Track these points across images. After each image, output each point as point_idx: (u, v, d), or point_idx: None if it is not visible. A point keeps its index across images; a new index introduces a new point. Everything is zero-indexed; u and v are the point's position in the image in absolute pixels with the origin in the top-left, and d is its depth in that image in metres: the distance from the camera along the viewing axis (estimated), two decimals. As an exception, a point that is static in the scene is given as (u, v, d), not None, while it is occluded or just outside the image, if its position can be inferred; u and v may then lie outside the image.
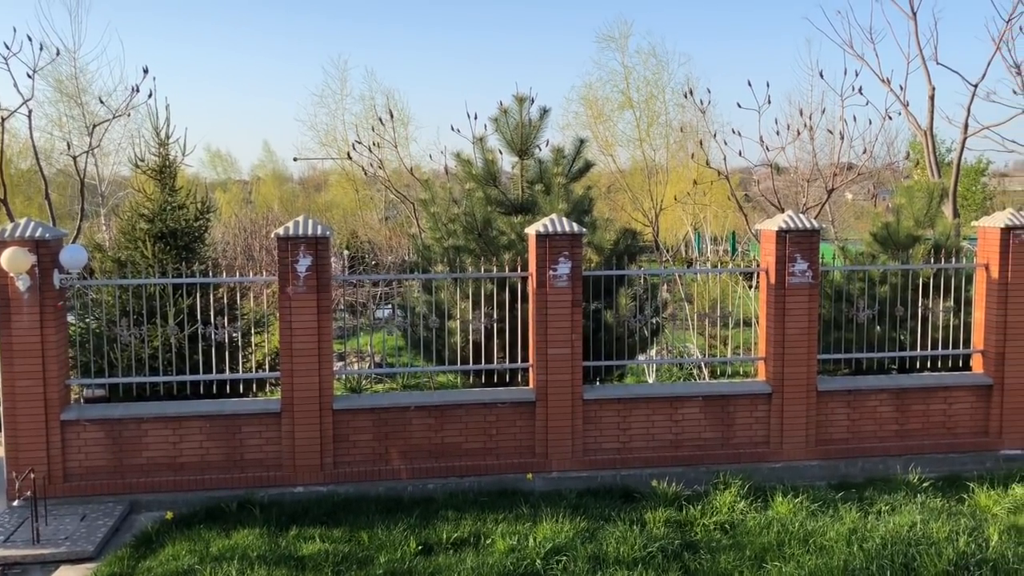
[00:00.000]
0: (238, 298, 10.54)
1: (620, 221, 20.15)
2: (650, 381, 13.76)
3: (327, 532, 7.99)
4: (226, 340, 9.26)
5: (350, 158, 21.84)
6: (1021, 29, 19.32)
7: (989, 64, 20.15)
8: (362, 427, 9.16)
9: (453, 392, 9.76)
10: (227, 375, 9.17)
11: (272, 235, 8.98)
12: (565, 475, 9.34)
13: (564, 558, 7.23)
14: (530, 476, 9.25)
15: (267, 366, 9.74)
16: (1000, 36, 17.46)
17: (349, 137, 24.72)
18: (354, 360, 15.71)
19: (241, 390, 9.67)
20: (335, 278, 9.34)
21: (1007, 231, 9.89)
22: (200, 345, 9.24)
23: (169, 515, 8.40)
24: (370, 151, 20.33)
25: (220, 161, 57.32)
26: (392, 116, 21.61)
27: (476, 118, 14.00)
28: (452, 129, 18.12)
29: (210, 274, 9.53)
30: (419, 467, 9.22)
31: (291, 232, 8.78)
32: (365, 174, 22.78)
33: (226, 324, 9.32)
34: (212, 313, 9.45)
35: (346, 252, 21.48)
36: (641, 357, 10.99)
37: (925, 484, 9.32)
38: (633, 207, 23.34)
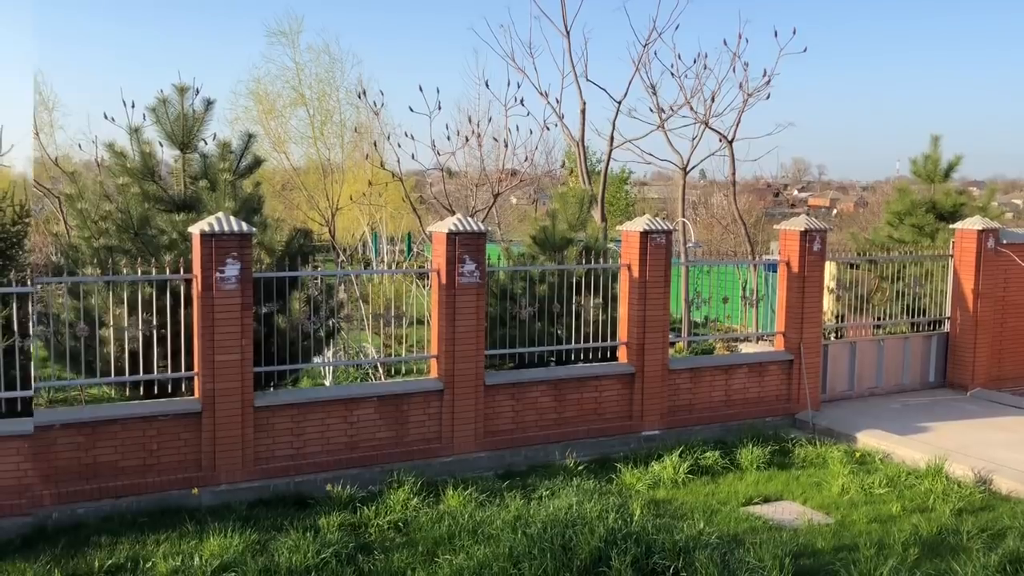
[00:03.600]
0: None
1: (296, 220, 19.89)
2: (327, 383, 13.70)
3: (-57, 580, 7.19)
4: None
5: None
6: (656, 54, 21.32)
7: (630, 84, 22.38)
8: (-5, 451, 8.21)
9: (106, 406, 9.14)
10: None
11: None
12: (236, 487, 9.04)
13: (233, 574, 7.07)
14: (195, 491, 8.84)
15: None
16: (639, 59, 18.99)
17: (-26, 120, 21.92)
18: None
19: None
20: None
21: (645, 235, 10.99)
22: None
23: None
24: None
25: None
26: (35, 99, 19.50)
27: (134, 107, 12.94)
28: (105, 117, 16.81)
29: None
30: (66, 491, 8.42)
31: None
32: (-1, 164, 20.40)
33: None
34: None
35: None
36: (317, 359, 10.91)
37: (580, 467, 10.11)
38: (309, 206, 23.09)
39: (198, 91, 10.07)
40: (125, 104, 12.86)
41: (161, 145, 10.15)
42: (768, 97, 18.56)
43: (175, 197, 10.00)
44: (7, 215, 10.07)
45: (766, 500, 9.21)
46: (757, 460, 10.24)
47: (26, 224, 10.46)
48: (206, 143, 10.45)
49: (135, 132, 9.99)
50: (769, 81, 18.40)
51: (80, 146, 21.30)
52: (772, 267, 14.94)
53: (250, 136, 10.59)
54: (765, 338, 13.51)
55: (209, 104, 10.14)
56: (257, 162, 10.84)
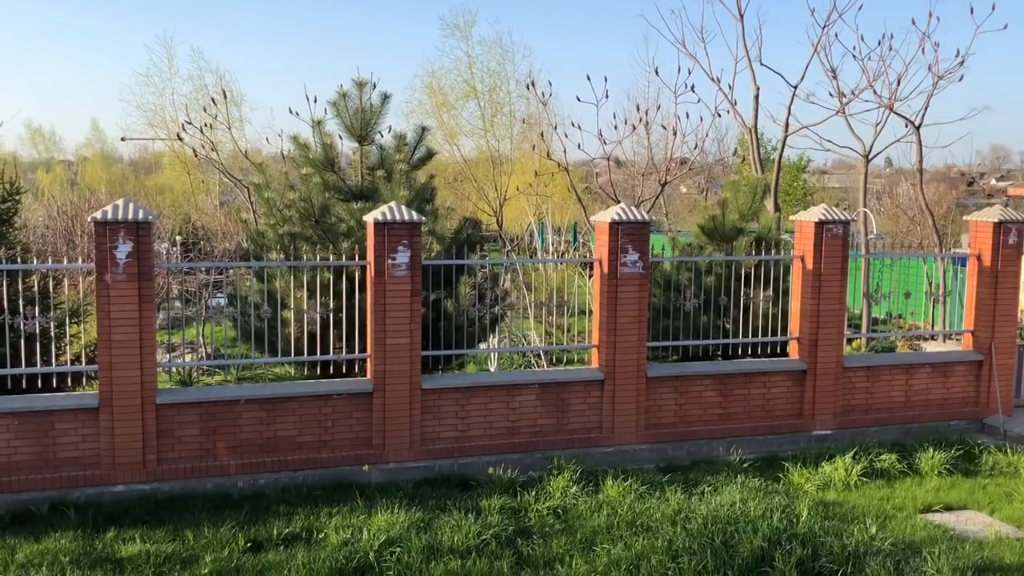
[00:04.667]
0: (51, 286, 9.99)
1: (465, 210, 20.30)
2: (492, 369, 13.97)
3: (149, 532, 7.73)
4: (38, 331, 8.75)
5: (180, 139, 21.00)
6: (836, 36, 20.27)
7: (807, 67, 21.40)
8: (188, 422, 8.85)
9: (286, 384, 9.57)
10: (39, 369, 8.71)
11: (89, 219, 8.56)
12: (403, 466, 9.33)
13: (398, 550, 7.23)
14: (366, 467, 9.19)
15: (84, 359, 9.26)
16: (817, 41, 18.39)
17: (179, 118, 23.82)
18: (185, 351, 15.13)
19: (55, 384, 9.19)
20: (158, 265, 8.99)
21: (820, 225, 10.52)
22: (8, 337, 8.69)
23: (-33, 522, 7.81)
24: (202, 132, 19.64)
25: (42, 139, 54.85)
26: (225, 96, 20.86)
27: (316, 101, 13.61)
28: (290, 112, 17.99)
29: (19, 260, 9.00)
30: (250, 462, 8.99)
31: (109, 216, 8.42)
32: (196, 156, 22.04)
33: (38, 314, 8.81)
34: (22, 302, 8.87)
35: (178, 238, 20.81)
36: (482, 345, 11.12)
37: (745, 465, 9.83)
38: (478, 196, 23.49)
39: (375, 85, 10.48)
40: (308, 99, 13.58)
41: (341, 138, 10.61)
42: (961, 79, 17.54)
43: (353, 187, 10.43)
44: None
45: (947, 508, 8.75)
46: (938, 465, 9.75)
47: (16, 202, 10.87)
48: (382, 135, 10.88)
49: (317, 125, 10.49)
50: (963, 62, 17.41)
51: (268, 139, 22.68)
52: (961, 261, 13.97)
53: (424, 129, 10.90)
54: (952, 336, 12.85)
55: (385, 98, 10.53)
56: (430, 154, 11.12)
